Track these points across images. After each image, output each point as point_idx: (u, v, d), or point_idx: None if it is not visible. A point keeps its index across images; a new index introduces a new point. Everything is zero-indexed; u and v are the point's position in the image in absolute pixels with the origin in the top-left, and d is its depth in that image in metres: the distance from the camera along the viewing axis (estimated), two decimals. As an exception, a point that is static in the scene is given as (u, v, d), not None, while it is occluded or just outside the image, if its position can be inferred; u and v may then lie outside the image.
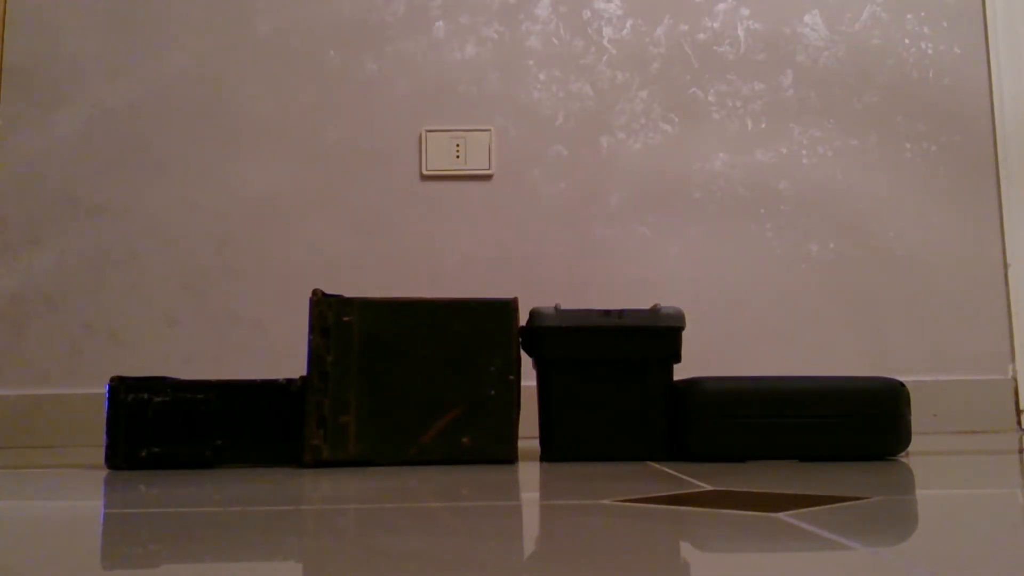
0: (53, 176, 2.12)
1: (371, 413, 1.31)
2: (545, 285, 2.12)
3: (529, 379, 1.50)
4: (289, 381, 1.33)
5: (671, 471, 1.15)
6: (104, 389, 2.04)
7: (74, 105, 2.15)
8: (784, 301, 2.14)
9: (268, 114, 2.16)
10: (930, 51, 2.23)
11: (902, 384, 1.34)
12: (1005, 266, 2.17)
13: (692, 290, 2.14)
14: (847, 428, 1.31)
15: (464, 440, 1.31)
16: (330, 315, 1.33)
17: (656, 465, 1.25)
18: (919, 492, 0.90)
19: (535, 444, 1.74)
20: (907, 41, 2.23)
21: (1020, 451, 1.45)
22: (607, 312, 1.37)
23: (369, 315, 1.33)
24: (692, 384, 1.34)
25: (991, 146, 2.20)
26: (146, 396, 1.30)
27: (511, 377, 1.33)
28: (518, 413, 1.34)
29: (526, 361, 1.46)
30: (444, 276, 2.12)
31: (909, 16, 2.24)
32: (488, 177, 2.16)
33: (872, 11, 2.24)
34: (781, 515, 0.73)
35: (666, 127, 2.19)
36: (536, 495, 0.93)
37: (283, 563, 0.57)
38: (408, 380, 1.32)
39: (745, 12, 2.23)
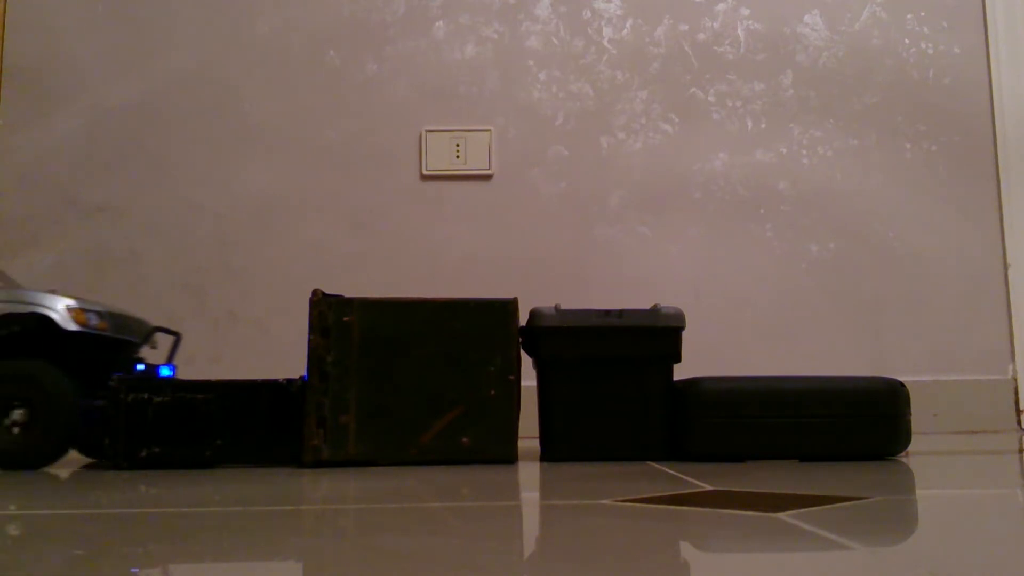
0: (53, 176, 2.12)
1: (371, 413, 1.31)
2: (545, 285, 2.12)
3: (529, 379, 1.50)
4: (289, 381, 1.33)
5: (671, 471, 1.15)
6: (104, 389, 2.04)
7: (74, 105, 2.15)
8: (784, 301, 2.14)
9: (268, 114, 2.16)
10: (930, 51, 2.23)
11: (902, 384, 1.34)
12: (1005, 266, 2.17)
13: (692, 290, 2.14)
14: (847, 428, 1.31)
15: (464, 440, 1.31)
16: (330, 315, 1.32)
17: (656, 465, 1.25)
18: (919, 492, 0.90)
19: (535, 444, 1.73)
20: (907, 41, 2.23)
21: (1020, 451, 1.45)
22: (607, 312, 1.37)
23: (369, 315, 1.33)
24: (692, 384, 1.34)
25: (991, 146, 2.20)
26: (146, 396, 1.30)
27: (511, 377, 1.33)
28: (518, 413, 1.34)
29: (526, 361, 1.46)
30: (444, 276, 2.12)
31: (909, 16, 2.24)
32: (488, 177, 2.16)
33: (872, 11, 2.24)
34: (781, 515, 0.73)
35: (666, 127, 2.19)
36: (536, 495, 0.93)
37: (283, 563, 0.57)
38: (408, 380, 1.32)
39: (745, 12, 2.23)
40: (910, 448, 1.52)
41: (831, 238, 2.17)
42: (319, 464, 1.28)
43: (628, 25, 2.22)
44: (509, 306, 1.35)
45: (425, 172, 2.14)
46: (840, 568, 0.52)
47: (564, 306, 2.01)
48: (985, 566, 0.52)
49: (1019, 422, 2.11)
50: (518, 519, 0.75)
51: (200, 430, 1.31)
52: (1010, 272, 2.16)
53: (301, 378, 1.34)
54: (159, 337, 1.96)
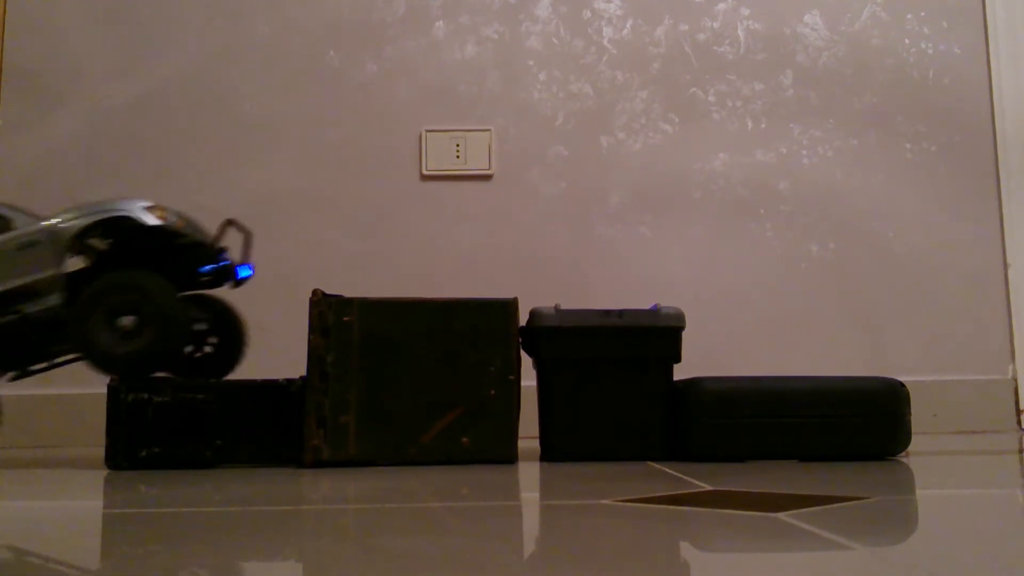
0: (53, 176, 2.12)
1: (371, 413, 1.31)
2: (545, 285, 2.12)
3: (529, 379, 1.50)
4: (289, 381, 1.33)
5: (671, 471, 1.15)
6: (104, 389, 2.03)
7: (74, 105, 2.15)
8: (784, 301, 2.14)
9: (268, 114, 2.16)
10: (930, 51, 2.23)
11: (902, 384, 1.34)
12: (1005, 266, 2.17)
13: (692, 290, 2.14)
14: (847, 428, 1.31)
15: (464, 440, 1.31)
16: (330, 315, 1.32)
17: (656, 465, 1.25)
18: (919, 492, 0.90)
19: (535, 444, 1.73)
20: (907, 41, 2.23)
21: (1020, 451, 1.45)
22: (607, 312, 1.37)
23: (369, 315, 1.33)
24: (692, 384, 1.34)
25: (991, 146, 2.20)
26: (146, 396, 1.30)
27: (511, 377, 1.33)
28: (518, 413, 1.34)
29: (526, 361, 1.46)
30: (444, 276, 2.12)
31: (909, 16, 2.24)
32: (488, 177, 2.16)
33: (872, 11, 2.24)
34: (781, 515, 0.73)
35: (666, 127, 2.19)
36: (536, 495, 0.92)
37: (283, 563, 0.57)
38: (408, 380, 1.32)
39: (745, 12, 2.23)
40: (910, 448, 1.52)
41: (831, 238, 2.17)
42: (319, 464, 1.29)
43: (628, 25, 2.22)
44: (509, 306, 1.35)
45: (425, 172, 2.14)
46: (840, 568, 0.52)
47: (564, 306, 2.01)
48: (985, 566, 0.52)
49: (1019, 422, 2.11)
50: (518, 519, 0.75)
51: (200, 430, 1.31)
52: (1010, 272, 2.16)
53: (301, 378, 1.34)
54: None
